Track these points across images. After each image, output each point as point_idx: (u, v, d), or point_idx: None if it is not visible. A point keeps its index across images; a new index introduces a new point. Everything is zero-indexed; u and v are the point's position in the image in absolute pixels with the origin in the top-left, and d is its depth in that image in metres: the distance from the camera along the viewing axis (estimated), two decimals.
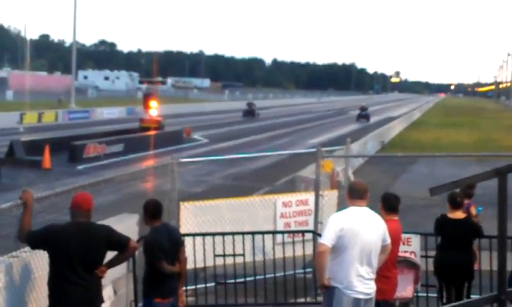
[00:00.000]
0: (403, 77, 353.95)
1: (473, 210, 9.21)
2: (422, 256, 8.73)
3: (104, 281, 6.29)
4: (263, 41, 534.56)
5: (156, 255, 6.85)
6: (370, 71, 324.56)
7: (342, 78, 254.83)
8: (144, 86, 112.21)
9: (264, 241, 9.85)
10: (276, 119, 62.86)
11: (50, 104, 60.64)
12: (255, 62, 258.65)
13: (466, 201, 8.97)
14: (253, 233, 9.67)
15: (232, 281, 9.39)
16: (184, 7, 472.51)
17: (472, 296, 8.32)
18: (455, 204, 8.47)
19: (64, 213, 6.40)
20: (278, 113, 74.64)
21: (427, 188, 4.71)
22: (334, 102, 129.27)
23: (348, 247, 6.28)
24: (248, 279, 9.44)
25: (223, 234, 9.40)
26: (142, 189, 18.40)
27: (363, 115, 65.88)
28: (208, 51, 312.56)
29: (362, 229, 6.34)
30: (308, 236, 10.15)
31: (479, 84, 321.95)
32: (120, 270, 7.65)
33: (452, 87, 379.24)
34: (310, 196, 11.05)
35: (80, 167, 25.00)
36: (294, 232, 10.44)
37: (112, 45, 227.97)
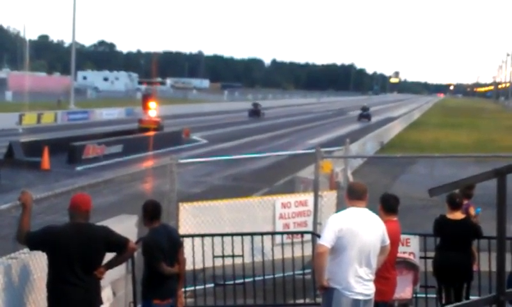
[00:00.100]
0: (402, 77, 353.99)
1: (472, 211, 9.21)
2: (421, 257, 8.72)
3: (102, 283, 6.29)
4: (262, 41, 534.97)
5: (155, 256, 6.84)
6: (370, 71, 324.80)
7: (341, 78, 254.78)
8: (143, 87, 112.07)
9: (263, 242, 9.85)
10: (277, 120, 62.97)
11: (49, 105, 60.58)
12: (254, 63, 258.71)
13: (465, 202, 8.97)
14: (252, 234, 9.66)
15: (231, 282, 9.38)
16: (183, 8, 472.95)
17: (470, 297, 8.31)
18: (454, 205, 8.47)
19: (63, 214, 6.40)
20: (280, 113, 74.72)
21: (426, 189, 4.70)
22: (333, 102, 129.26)
23: (347, 248, 6.28)
24: (246, 280, 9.43)
25: (222, 235, 9.40)
26: (141, 190, 18.38)
27: (365, 115, 67.02)
28: (208, 51, 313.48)
29: (361, 230, 6.34)
30: (307, 237, 10.16)
31: (478, 85, 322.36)
32: (119, 271, 7.65)
33: (451, 87, 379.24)
34: (309, 197, 11.04)
35: (79, 168, 24.99)
36: (293, 233, 10.45)
37: (112, 45, 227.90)
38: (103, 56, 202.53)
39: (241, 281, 9.43)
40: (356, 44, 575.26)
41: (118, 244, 6.13)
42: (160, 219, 7.07)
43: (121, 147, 30.14)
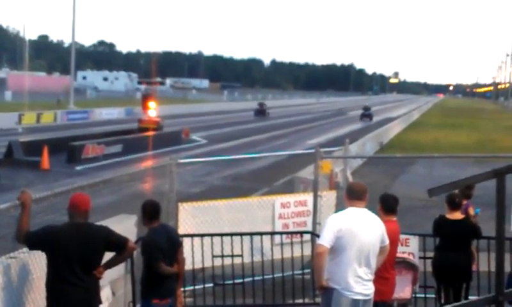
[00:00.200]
0: (402, 77, 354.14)
1: (471, 211, 9.21)
2: (420, 257, 8.72)
3: (102, 282, 6.29)
4: (262, 41, 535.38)
5: (154, 256, 6.84)
6: (369, 72, 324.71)
7: (341, 79, 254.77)
8: (143, 87, 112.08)
9: (262, 242, 9.84)
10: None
11: (48, 105, 60.56)
12: (254, 63, 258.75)
13: (464, 202, 8.97)
14: (251, 234, 9.66)
15: (230, 282, 9.39)
16: (183, 8, 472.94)
17: (470, 297, 8.31)
18: (453, 205, 8.47)
19: (63, 214, 6.39)
20: (281, 113, 74.82)
21: (425, 189, 4.70)
22: (333, 102, 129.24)
23: (346, 248, 6.28)
24: (246, 280, 9.43)
25: (222, 235, 9.40)
26: (140, 190, 18.37)
27: (367, 114, 68.80)
28: (207, 52, 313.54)
29: (360, 230, 6.34)
30: (307, 237, 10.15)
31: (477, 85, 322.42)
32: (118, 271, 7.64)
33: (451, 87, 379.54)
34: (308, 197, 11.04)
35: (78, 167, 24.98)
36: (292, 233, 10.45)
37: (111, 45, 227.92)
38: (103, 56, 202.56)
39: (240, 280, 9.43)
40: (355, 44, 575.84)
41: (118, 244, 6.13)
42: (159, 218, 7.07)
43: (120, 147, 30.13)
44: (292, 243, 9.90)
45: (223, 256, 9.32)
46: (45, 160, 24.36)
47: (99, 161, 27.04)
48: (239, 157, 21.61)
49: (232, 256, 9.33)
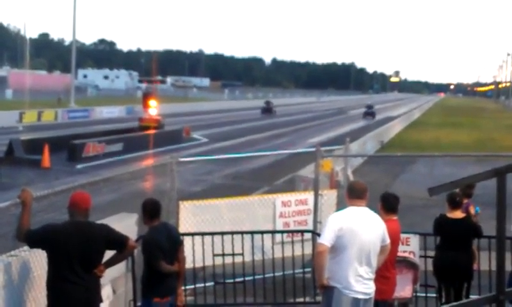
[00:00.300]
0: (403, 76, 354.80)
1: (472, 210, 9.21)
2: (421, 256, 8.72)
3: (102, 281, 6.29)
4: (263, 40, 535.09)
5: (155, 254, 6.84)
6: (370, 70, 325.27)
7: (342, 77, 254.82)
8: (143, 85, 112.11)
9: (263, 240, 9.85)
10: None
11: (49, 103, 60.63)
12: (255, 62, 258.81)
13: (465, 201, 8.97)
14: (252, 233, 9.66)
15: (231, 280, 9.38)
16: (184, 6, 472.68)
17: (470, 296, 8.31)
18: (454, 204, 8.47)
19: (63, 212, 6.39)
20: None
21: (426, 188, 4.69)
22: (333, 101, 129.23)
23: (347, 247, 6.27)
24: (246, 278, 9.43)
25: (222, 233, 9.39)
26: (141, 188, 18.38)
27: (369, 113, 70.06)
28: (208, 50, 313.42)
29: (361, 229, 6.33)
30: (307, 235, 10.15)
31: (478, 84, 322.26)
32: (119, 269, 7.64)
33: (452, 87, 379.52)
34: (309, 196, 11.05)
35: (79, 166, 24.98)
36: (293, 232, 10.44)
37: (112, 43, 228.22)
38: (103, 54, 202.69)
39: (241, 279, 9.42)
40: (356, 43, 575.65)
41: (118, 242, 6.13)
42: (160, 217, 7.07)
43: (121, 145, 30.13)
44: (292, 242, 9.89)
45: (223, 255, 9.32)
46: (46, 159, 24.37)
47: (100, 159, 27.03)
48: (239, 156, 21.58)
49: (233, 254, 9.33)
